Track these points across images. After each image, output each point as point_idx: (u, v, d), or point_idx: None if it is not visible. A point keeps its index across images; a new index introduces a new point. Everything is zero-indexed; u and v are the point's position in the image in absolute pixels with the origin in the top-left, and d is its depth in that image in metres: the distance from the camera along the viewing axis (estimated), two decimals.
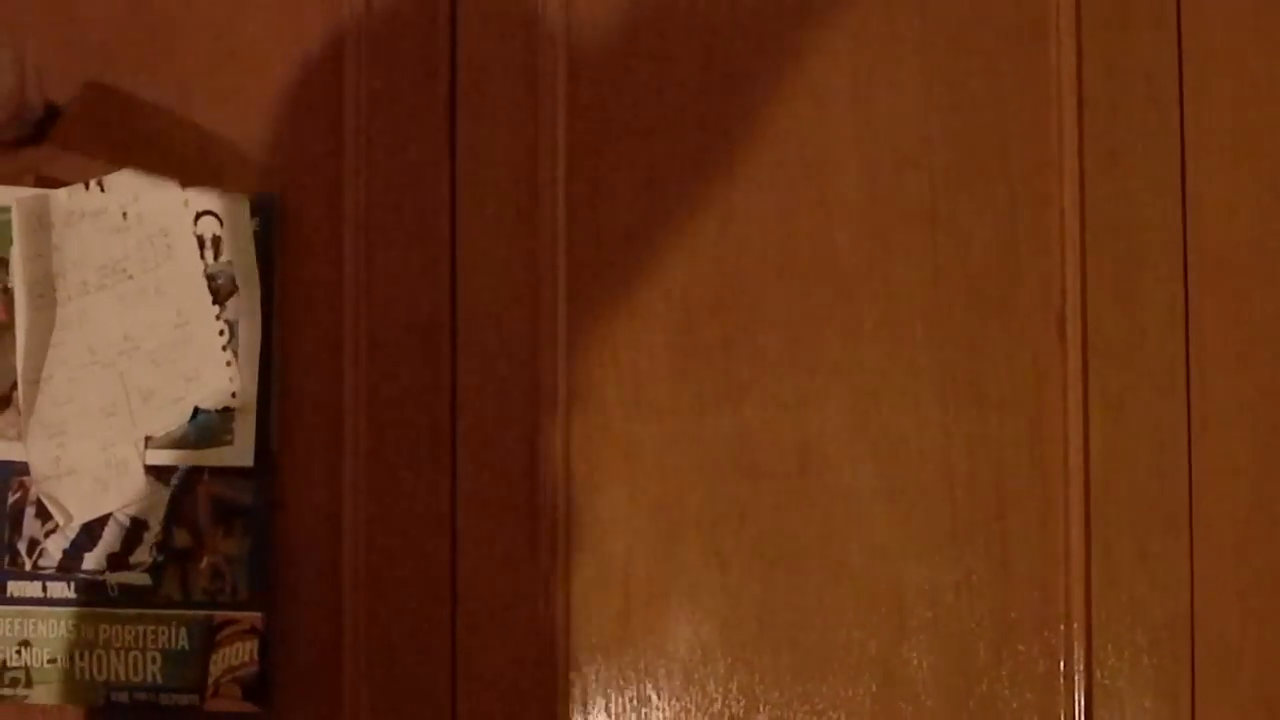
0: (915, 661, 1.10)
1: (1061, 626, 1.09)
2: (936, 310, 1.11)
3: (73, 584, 1.16)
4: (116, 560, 1.15)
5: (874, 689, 1.11)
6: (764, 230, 1.13)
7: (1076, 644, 1.09)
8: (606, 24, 1.15)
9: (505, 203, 1.14)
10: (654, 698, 1.12)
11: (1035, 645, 1.10)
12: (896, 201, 1.12)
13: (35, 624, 1.16)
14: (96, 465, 1.15)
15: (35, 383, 1.16)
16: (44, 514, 1.16)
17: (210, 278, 1.15)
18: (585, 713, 1.12)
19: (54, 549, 1.16)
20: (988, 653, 1.10)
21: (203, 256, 1.15)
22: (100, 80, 1.15)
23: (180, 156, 0.84)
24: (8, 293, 1.17)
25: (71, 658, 1.15)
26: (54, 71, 1.17)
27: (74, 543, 1.16)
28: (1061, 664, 1.09)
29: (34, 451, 1.16)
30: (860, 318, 1.12)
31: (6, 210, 1.16)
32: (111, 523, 1.15)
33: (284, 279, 1.15)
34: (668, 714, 1.12)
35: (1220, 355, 1.09)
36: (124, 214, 1.16)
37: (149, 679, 1.14)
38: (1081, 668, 1.09)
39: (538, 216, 1.14)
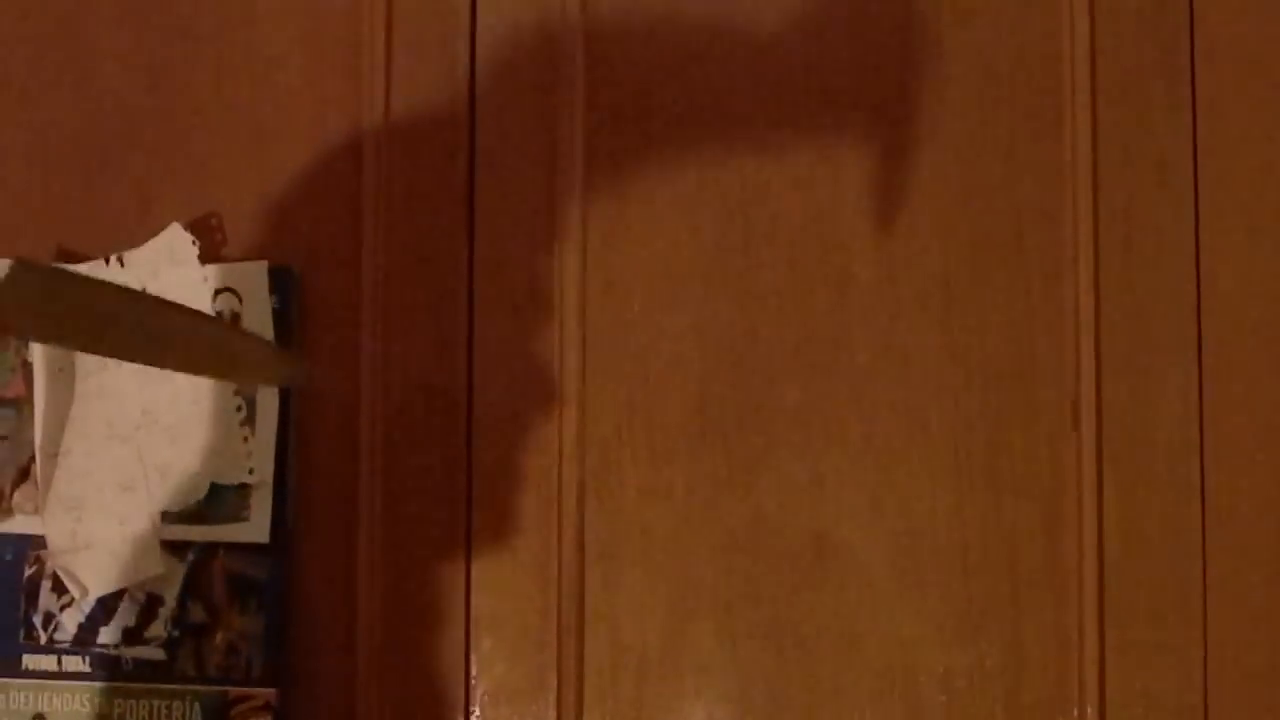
0: None
1: (1075, 712, 1.09)
2: (951, 394, 1.11)
3: (88, 658, 1.16)
4: (132, 635, 1.16)
5: None
6: (780, 311, 1.13)
7: None
8: (623, 110, 1.16)
9: (522, 281, 1.15)
10: None
11: None
12: (912, 282, 1.13)
13: (50, 698, 1.16)
14: (113, 540, 1.16)
15: (53, 456, 1.17)
16: (60, 588, 1.16)
17: None
18: None
19: (69, 623, 1.16)
20: None
21: None
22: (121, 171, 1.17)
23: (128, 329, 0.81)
24: (27, 367, 1.17)
25: None
26: (77, 146, 1.18)
27: (89, 617, 1.16)
28: None
29: (51, 525, 1.17)
30: (875, 401, 1.12)
31: None
32: (127, 598, 1.16)
33: (301, 355, 1.16)
34: None
35: (1235, 441, 1.09)
36: (143, 290, 1.17)
37: None
38: None
39: (554, 298, 1.15)
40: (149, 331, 0.85)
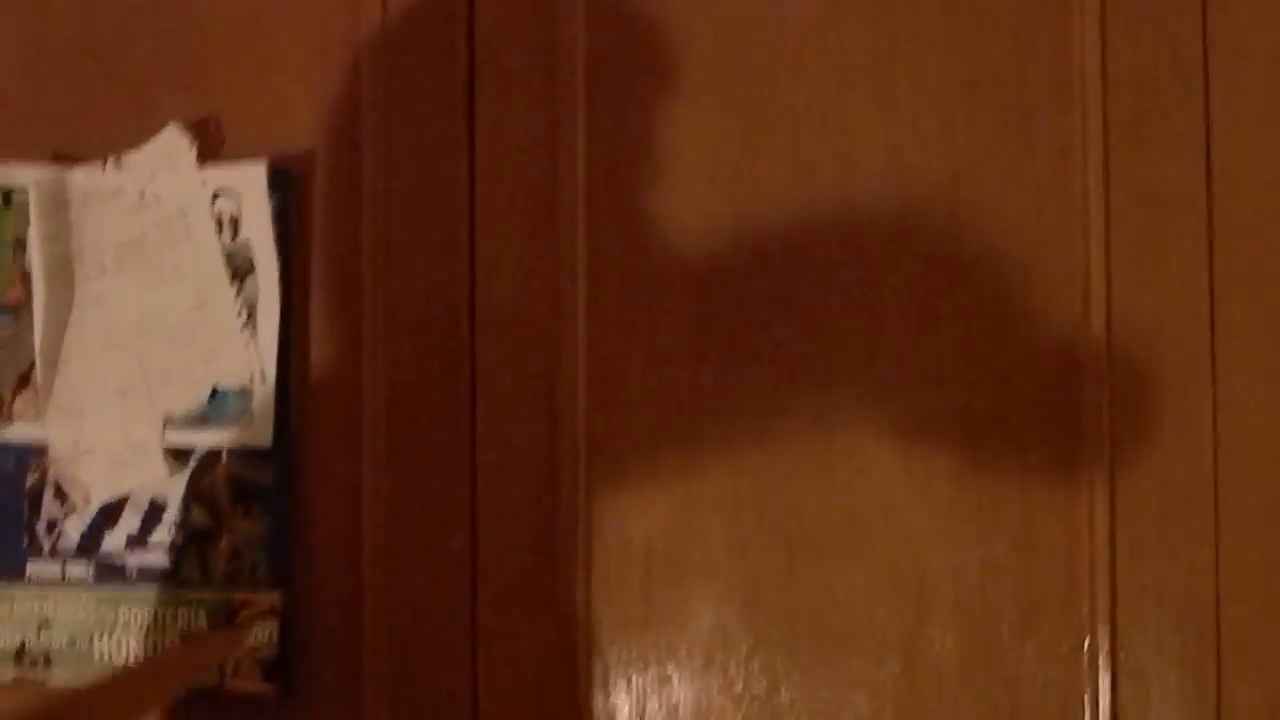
0: (938, 642, 1.10)
1: (1086, 606, 1.08)
2: (961, 282, 1.10)
3: (92, 565, 1.16)
4: (135, 541, 1.15)
5: (897, 669, 1.10)
6: (784, 204, 1.12)
7: (1101, 623, 1.08)
8: (626, 6, 1.14)
9: (523, 178, 1.14)
10: (675, 678, 1.11)
11: (1059, 625, 1.09)
12: (921, 178, 1.11)
13: (55, 605, 1.15)
14: (115, 446, 1.15)
15: (54, 364, 1.16)
16: (62, 495, 1.16)
17: (228, 257, 1.15)
18: (606, 693, 1.12)
19: (73, 530, 1.16)
20: (1012, 632, 1.09)
21: (220, 236, 1.15)
22: (118, 73, 1.15)
23: None
24: (26, 274, 1.16)
25: (91, 639, 1.15)
26: (74, 48, 1.17)
27: (93, 524, 1.15)
28: (1086, 642, 1.08)
29: (52, 432, 1.16)
30: (882, 291, 1.11)
31: (24, 190, 1.15)
32: (130, 504, 1.15)
33: (302, 257, 1.15)
34: (689, 694, 1.11)
35: (1245, 332, 1.08)
36: (141, 194, 1.16)
37: None
38: (1106, 646, 1.08)
39: (557, 192, 1.14)
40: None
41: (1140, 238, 1.09)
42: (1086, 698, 1.08)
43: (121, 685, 1.02)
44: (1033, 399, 1.10)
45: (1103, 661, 1.08)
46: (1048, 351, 1.10)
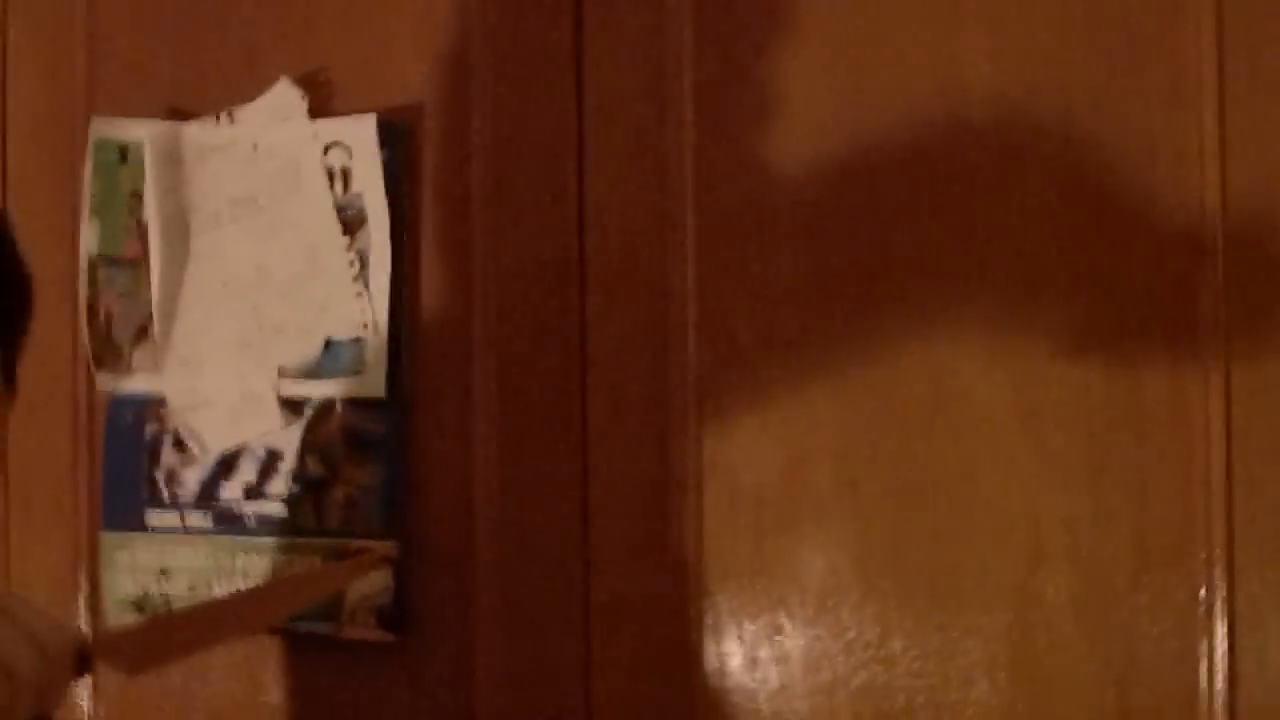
0: (1051, 591, 1.09)
1: (1202, 553, 1.07)
2: (1070, 233, 1.09)
3: (210, 514, 1.18)
4: (252, 490, 1.17)
5: (1009, 618, 1.10)
6: (896, 155, 1.11)
7: (1218, 571, 1.07)
8: None
9: (632, 126, 1.14)
10: (787, 625, 1.12)
11: (1175, 572, 1.08)
12: (1029, 116, 1.10)
13: (174, 552, 1.18)
14: (231, 397, 1.17)
15: (171, 316, 1.18)
16: (181, 445, 1.18)
17: (340, 209, 1.16)
18: (718, 640, 1.13)
19: (191, 480, 1.18)
20: (1126, 580, 1.08)
21: (332, 188, 1.16)
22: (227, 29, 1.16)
23: None
24: (142, 227, 1.18)
25: (210, 586, 1.17)
26: (182, 5, 1.18)
27: (211, 474, 1.18)
28: (1203, 591, 1.07)
29: (170, 384, 1.18)
30: (993, 245, 1.10)
31: (139, 145, 1.17)
32: (247, 454, 1.17)
33: (413, 209, 1.15)
34: (801, 642, 1.12)
35: None
36: (254, 147, 1.17)
37: None
38: (1223, 595, 1.07)
39: (665, 148, 1.13)
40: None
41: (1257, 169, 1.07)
42: (1203, 647, 1.08)
43: (238, 602, 1.04)
44: (1147, 343, 1.08)
45: (1219, 609, 1.07)
46: (1162, 298, 1.08)
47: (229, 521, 1.17)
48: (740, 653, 1.13)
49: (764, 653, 1.12)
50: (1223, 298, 1.07)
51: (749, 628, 1.12)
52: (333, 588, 1.13)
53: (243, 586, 1.17)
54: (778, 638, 1.12)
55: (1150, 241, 1.08)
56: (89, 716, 1.24)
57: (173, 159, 1.17)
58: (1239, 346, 1.07)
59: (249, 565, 1.17)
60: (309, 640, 1.17)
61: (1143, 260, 1.08)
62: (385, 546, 1.15)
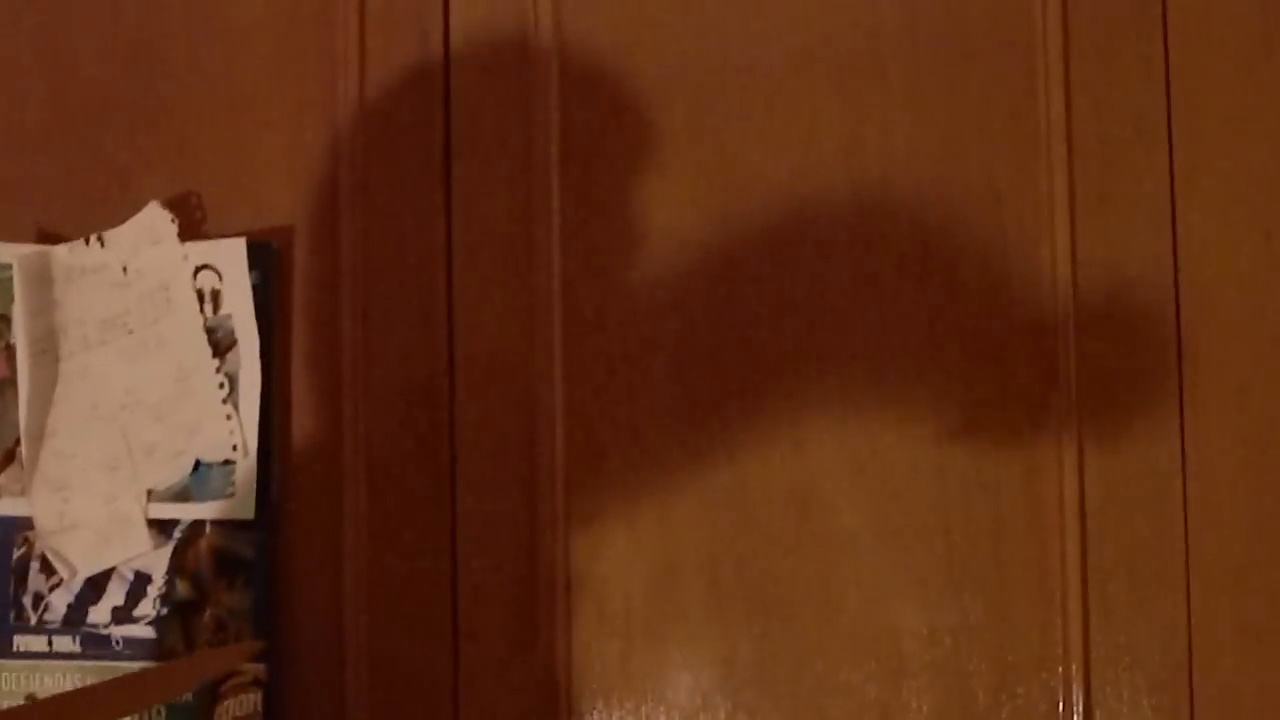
0: (915, 705, 1.11)
1: (1060, 669, 1.10)
2: (929, 352, 1.12)
3: (78, 638, 1.17)
4: (121, 613, 1.16)
5: None
6: (758, 277, 1.13)
7: (1075, 686, 1.09)
8: (599, 67, 1.16)
9: (500, 248, 1.15)
10: None
11: (1035, 687, 1.10)
12: (889, 246, 1.13)
13: (41, 678, 1.17)
14: (100, 519, 1.16)
15: (39, 438, 1.17)
16: (48, 568, 1.17)
17: (210, 331, 1.16)
18: None
19: (59, 603, 1.17)
20: (987, 695, 1.10)
21: (202, 310, 1.16)
22: (98, 152, 1.17)
23: None
24: (10, 349, 1.18)
25: None
26: (54, 126, 1.18)
27: (78, 597, 1.17)
28: (1060, 706, 1.09)
29: (38, 506, 1.17)
30: (855, 360, 1.12)
31: (8, 268, 1.17)
32: (115, 576, 1.16)
33: (283, 330, 1.16)
34: None
35: (1215, 390, 1.09)
36: (124, 269, 1.17)
37: None
38: (1080, 709, 1.09)
39: (533, 261, 1.15)
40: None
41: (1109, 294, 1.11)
42: None
43: (110, 687, 1.03)
44: (1004, 462, 1.11)
45: None
46: (1017, 414, 1.11)
47: (97, 645, 1.17)
48: None
49: None
50: (1075, 411, 1.10)
51: None
52: (209, 674, 1.12)
53: None
54: None
55: (1004, 335, 1.11)
56: None
57: (42, 281, 1.17)
58: (1092, 461, 1.10)
59: None
60: None
61: (996, 354, 1.11)
62: (256, 669, 1.14)
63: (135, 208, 1.17)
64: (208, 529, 1.16)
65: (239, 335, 1.16)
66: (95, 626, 1.16)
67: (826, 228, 1.13)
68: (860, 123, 1.14)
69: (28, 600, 1.17)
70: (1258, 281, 1.11)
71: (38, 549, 1.17)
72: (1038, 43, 1.13)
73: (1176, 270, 1.11)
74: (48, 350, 1.18)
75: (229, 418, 1.15)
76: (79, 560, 1.16)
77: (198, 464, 1.16)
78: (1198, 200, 1.11)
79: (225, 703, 1.15)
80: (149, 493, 1.16)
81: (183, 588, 1.16)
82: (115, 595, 1.16)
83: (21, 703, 1.16)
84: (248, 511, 1.15)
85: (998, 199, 1.12)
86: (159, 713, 1.15)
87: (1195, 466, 1.09)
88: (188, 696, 1.15)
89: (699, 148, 1.14)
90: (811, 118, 1.14)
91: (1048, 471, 1.10)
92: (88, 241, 1.18)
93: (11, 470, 1.18)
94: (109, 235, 1.18)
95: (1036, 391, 1.11)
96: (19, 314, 1.17)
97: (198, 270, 1.16)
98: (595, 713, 1.13)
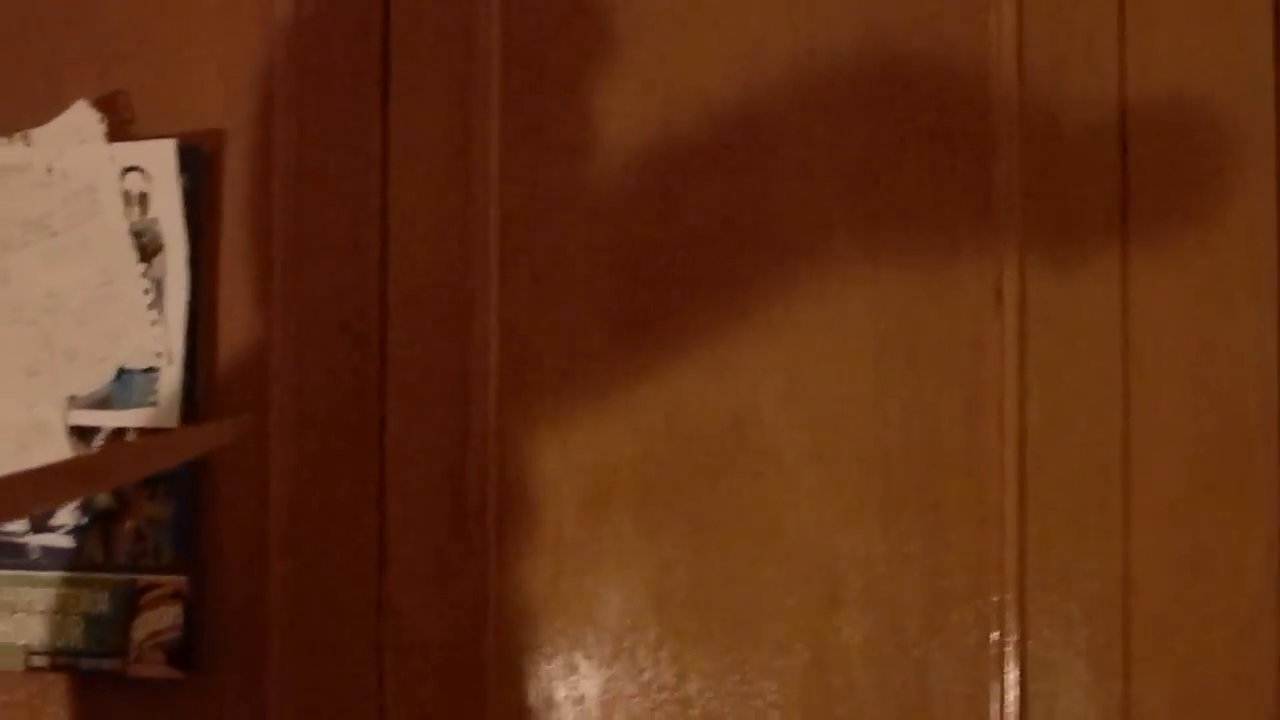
0: (847, 631, 1.09)
1: (995, 597, 1.08)
2: (870, 276, 1.10)
3: None
4: (38, 522, 1.13)
5: (806, 658, 1.09)
6: (700, 192, 1.11)
7: (1010, 614, 1.08)
8: None
9: (437, 156, 1.12)
10: (582, 665, 1.10)
11: (968, 615, 1.08)
12: (835, 163, 1.11)
13: None
14: (18, 425, 1.13)
15: None
16: None
17: (137, 234, 1.13)
18: (514, 680, 1.11)
19: None
20: (920, 622, 1.08)
21: (129, 213, 1.13)
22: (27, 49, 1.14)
23: None
24: None
25: None
26: None
27: None
28: (995, 634, 1.08)
29: None
30: (795, 284, 1.10)
31: None
32: None
33: (212, 236, 1.13)
34: (596, 682, 1.10)
35: (1156, 323, 1.08)
36: (49, 169, 1.14)
37: (70, 643, 1.12)
38: (1015, 638, 1.07)
39: (470, 171, 1.12)
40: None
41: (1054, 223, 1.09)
42: (995, 689, 1.08)
43: (87, 459, 1.00)
44: (944, 388, 1.09)
45: (1011, 653, 1.07)
46: (958, 340, 1.09)
47: (14, 555, 1.14)
48: (535, 693, 1.11)
49: (560, 693, 1.11)
50: (1018, 344, 1.08)
51: (545, 668, 1.11)
52: (198, 450, 1.08)
53: (27, 620, 1.13)
54: (573, 678, 1.11)
55: (949, 288, 1.09)
56: None
57: None
58: (1033, 389, 1.08)
59: (34, 598, 1.13)
60: (95, 678, 1.13)
61: (941, 306, 1.09)
62: (176, 581, 1.12)
63: (63, 107, 1.14)
64: (130, 437, 1.13)
65: (166, 239, 1.13)
66: (12, 535, 1.14)
67: (769, 140, 1.11)
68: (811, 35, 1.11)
69: None
70: None
71: None
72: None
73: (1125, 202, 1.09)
74: None
75: (154, 324, 1.12)
76: None
77: (121, 371, 1.13)
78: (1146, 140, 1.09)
79: (145, 615, 1.12)
80: (70, 399, 1.13)
81: (103, 497, 1.13)
82: None
83: None
84: (171, 421, 1.12)
85: (945, 117, 1.10)
86: (76, 624, 1.12)
87: (1135, 396, 1.07)
88: (106, 608, 1.12)
89: (642, 58, 1.12)
90: (760, 28, 1.11)
91: (988, 397, 1.08)
92: (12, 139, 1.14)
93: None
94: (34, 134, 1.15)
95: (980, 318, 1.09)
96: None
97: (125, 172, 1.13)
98: (522, 633, 1.11)
